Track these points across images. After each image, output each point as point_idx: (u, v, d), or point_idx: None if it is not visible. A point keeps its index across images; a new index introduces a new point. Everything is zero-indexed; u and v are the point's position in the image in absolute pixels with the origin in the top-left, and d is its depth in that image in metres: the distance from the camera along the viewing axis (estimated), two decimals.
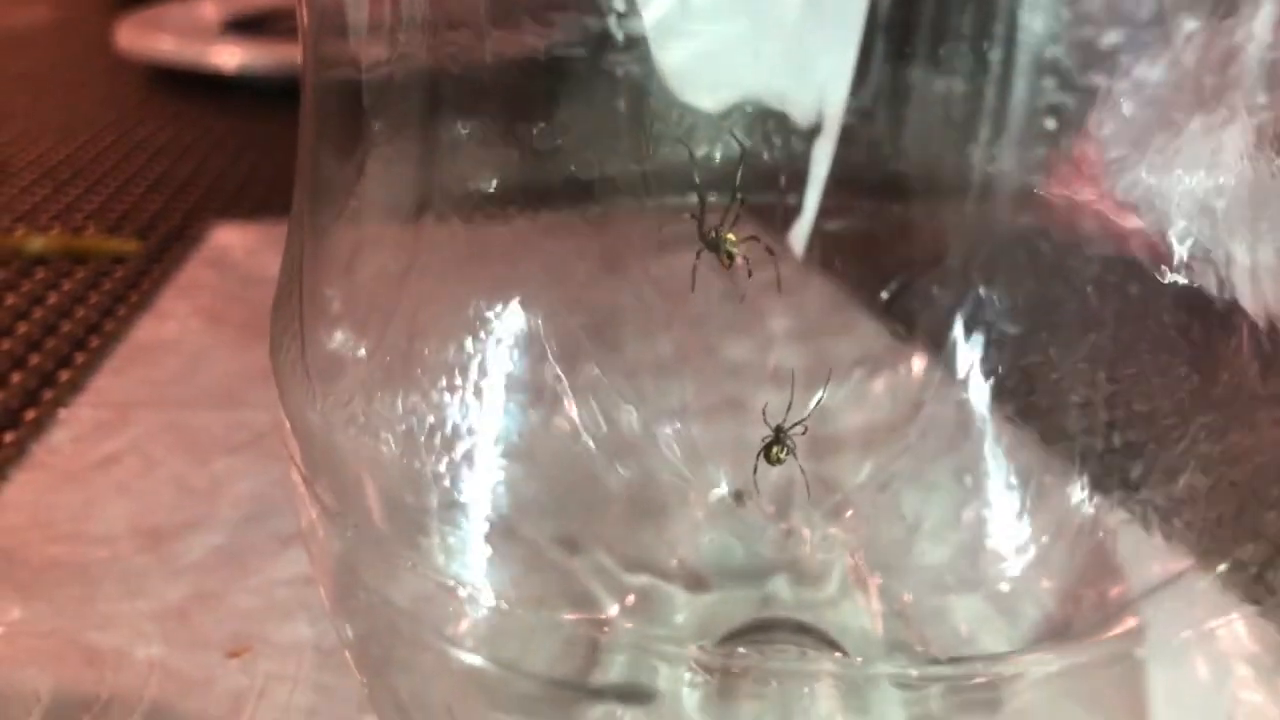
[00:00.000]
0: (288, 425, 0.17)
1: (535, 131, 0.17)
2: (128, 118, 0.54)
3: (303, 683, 0.19)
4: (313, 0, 0.16)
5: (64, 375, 0.30)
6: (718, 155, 0.17)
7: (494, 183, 0.17)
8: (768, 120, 0.18)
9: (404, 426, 0.17)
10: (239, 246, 0.38)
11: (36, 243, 0.38)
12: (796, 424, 0.15)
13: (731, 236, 0.15)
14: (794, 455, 0.16)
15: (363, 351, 0.17)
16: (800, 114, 0.18)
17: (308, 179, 0.17)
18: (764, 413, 0.16)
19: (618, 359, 0.20)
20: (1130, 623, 0.17)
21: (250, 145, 0.50)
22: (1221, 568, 0.16)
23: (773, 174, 0.19)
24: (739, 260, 0.15)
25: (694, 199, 0.16)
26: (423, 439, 0.18)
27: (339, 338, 0.17)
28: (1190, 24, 0.13)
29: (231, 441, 0.27)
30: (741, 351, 0.20)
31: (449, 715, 0.17)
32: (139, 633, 0.20)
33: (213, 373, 0.30)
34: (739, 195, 0.15)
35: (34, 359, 0.31)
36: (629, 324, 0.20)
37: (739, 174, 0.16)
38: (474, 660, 0.17)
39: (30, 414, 0.28)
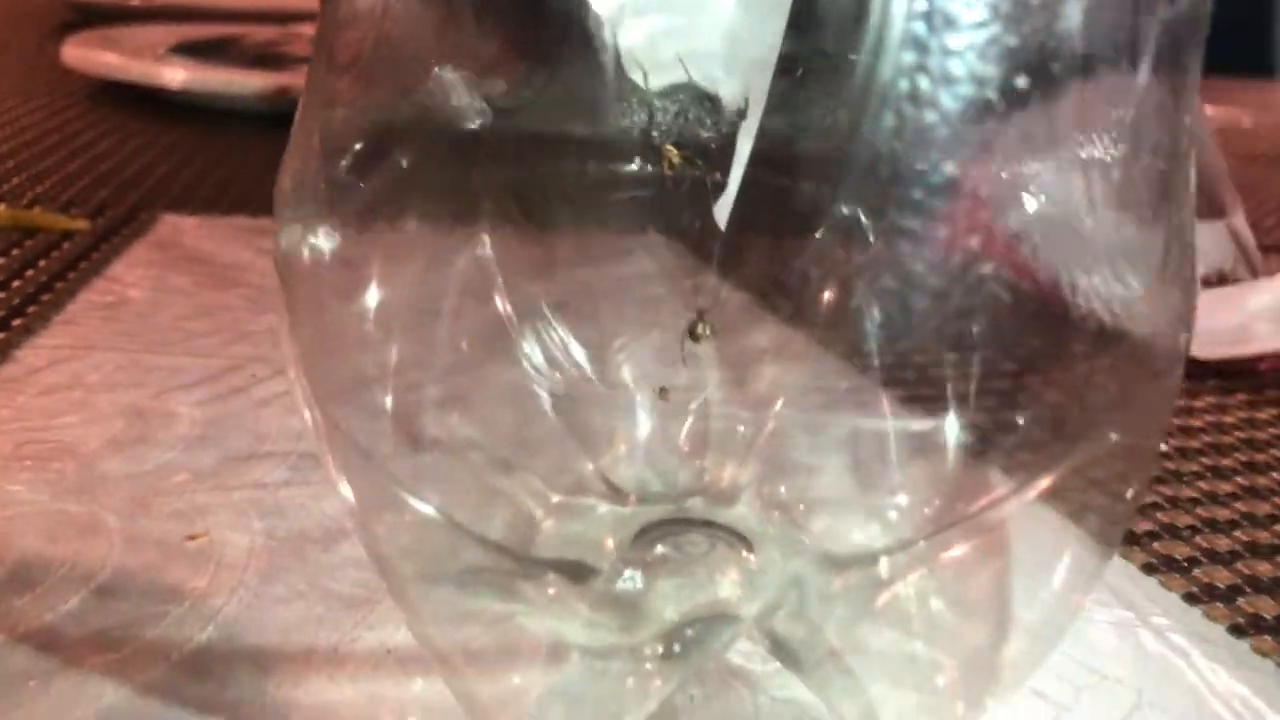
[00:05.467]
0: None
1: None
2: (71, 125, 0.56)
3: (257, 554, 0.21)
4: None
5: (17, 322, 0.31)
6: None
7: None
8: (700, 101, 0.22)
9: None
10: (188, 231, 0.40)
11: None
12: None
13: (672, 149, 0.18)
14: (715, 333, 0.18)
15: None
16: (729, 97, 0.21)
17: None
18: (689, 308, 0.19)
19: (571, 325, 0.22)
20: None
21: (197, 154, 0.52)
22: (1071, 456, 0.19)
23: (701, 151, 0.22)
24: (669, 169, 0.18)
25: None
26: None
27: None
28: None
29: (185, 380, 0.28)
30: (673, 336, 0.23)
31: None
32: (107, 510, 0.22)
33: (163, 324, 0.32)
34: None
35: None
36: (584, 304, 0.23)
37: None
38: (428, 511, 0.19)
39: None
